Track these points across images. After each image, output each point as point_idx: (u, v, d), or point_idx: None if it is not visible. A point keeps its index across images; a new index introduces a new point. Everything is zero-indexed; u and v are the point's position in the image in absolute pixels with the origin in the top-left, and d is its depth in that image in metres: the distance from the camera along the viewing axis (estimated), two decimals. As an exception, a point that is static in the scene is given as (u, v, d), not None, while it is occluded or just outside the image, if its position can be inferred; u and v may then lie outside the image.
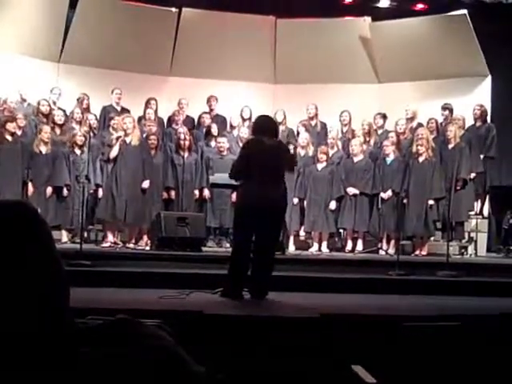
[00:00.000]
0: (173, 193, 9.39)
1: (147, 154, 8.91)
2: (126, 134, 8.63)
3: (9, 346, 1.03)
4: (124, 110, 9.96)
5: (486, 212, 9.94)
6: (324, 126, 10.49)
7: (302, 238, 9.77)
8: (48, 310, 1.07)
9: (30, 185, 8.71)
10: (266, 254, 5.89)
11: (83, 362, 1.05)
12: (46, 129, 8.90)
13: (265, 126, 6.13)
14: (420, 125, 9.86)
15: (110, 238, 8.59)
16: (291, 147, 9.19)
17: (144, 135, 9.37)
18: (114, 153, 8.57)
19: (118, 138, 8.59)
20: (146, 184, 8.69)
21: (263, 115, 6.59)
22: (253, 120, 10.50)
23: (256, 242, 5.89)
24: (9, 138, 8.69)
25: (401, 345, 4.24)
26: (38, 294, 1.07)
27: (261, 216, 5.71)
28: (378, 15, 11.43)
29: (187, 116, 10.48)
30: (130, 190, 8.56)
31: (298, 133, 10.22)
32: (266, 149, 5.88)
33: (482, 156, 9.69)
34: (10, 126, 8.67)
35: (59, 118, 9.39)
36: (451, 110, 10.20)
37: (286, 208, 6.18)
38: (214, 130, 9.87)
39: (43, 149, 8.84)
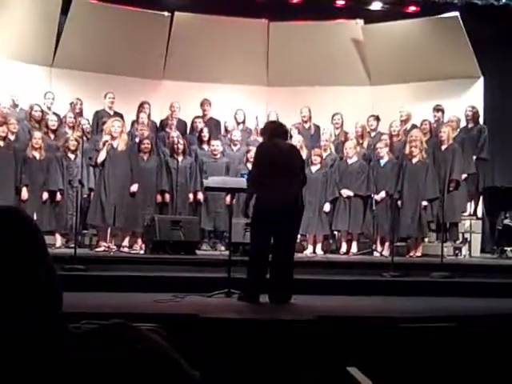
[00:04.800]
0: (167, 196, 9.37)
1: (136, 158, 8.87)
2: (113, 138, 8.58)
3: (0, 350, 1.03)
4: (117, 115, 9.95)
5: (479, 213, 9.97)
6: (317, 128, 10.51)
7: (296, 241, 9.76)
8: (40, 314, 1.07)
9: (24, 190, 8.69)
10: (284, 257, 5.91)
11: (77, 367, 1.04)
12: (37, 135, 8.86)
13: (277, 130, 6.28)
14: (414, 126, 9.89)
15: (104, 242, 8.57)
16: None
17: (137, 139, 9.36)
18: (101, 157, 8.54)
19: (104, 143, 8.55)
20: (134, 187, 8.66)
21: (273, 121, 6.77)
22: (247, 123, 10.61)
23: (274, 245, 5.92)
24: (0, 142, 8.66)
25: (396, 346, 4.25)
26: (29, 300, 1.06)
27: (278, 219, 5.76)
28: (371, 18, 11.45)
29: (179, 120, 10.48)
30: (118, 194, 8.52)
31: (291, 135, 10.22)
32: (280, 151, 5.98)
33: (474, 157, 9.73)
34: (0, 130, 8.64)
35: (53, 123, 9.37)
36: (443, 112, 10.25)
37: (303, 210, 6.19)
38: (205, 134, 9.86)
39: (36, 154, 8.81)
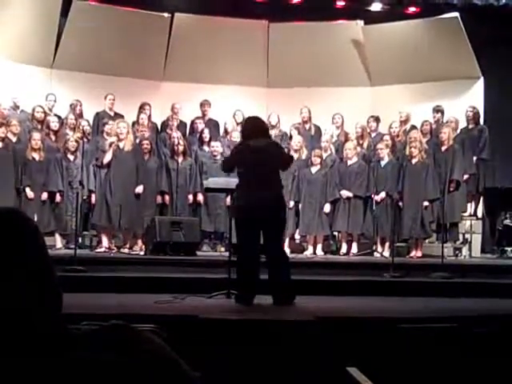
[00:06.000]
0: (167, 197, 9.38)
1: (141, 159, 8.89)
2: (120, 140, 8.60)
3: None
4: (117, 116, 9.96)
5: (480, 213, 9.97)
6: (318, 129, 10.51)
7: (296, 242, 9.77)
8: (40, 315, 1.07)
9: (28, 190, 8.68)
10: (274, 257, 5.88)
11: (77, 368, 1.05)
12: (36, 136, 8.85)
13: (252, 129, 6.12)
14: (413, 127, 9.89)
15: (105, 243, 8.58)
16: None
17: (137, 140, 9.37)
18: (107, 158, 8.56)
19: (111, 144, 8.57)
20: (139, 189, 8.67)
21: (251, 117, 6.56)
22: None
23: (263, 246, 5.92)
24: (-1, 143, 8.68)
25: (396, 346, 4.25)
26: (29, 301, 1.07)
27: (258, 218, 5.73)
28: (371, 18, 11.45)
29: (180, 121, 10.49)
30: (123, 195, 8.54)
31: (291, 136, 10.24)
32: (255, 151, 5.88)
33: (474, 158, 9.73)
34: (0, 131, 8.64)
35: (54, 124, 9.38)
36: (443, 112, 10.26)
37: (285, 207, 6.15)
38: (206, 135, 9.87)
39: (36, 156, 8.81)
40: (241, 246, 5.94)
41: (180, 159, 9.38)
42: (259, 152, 5.88)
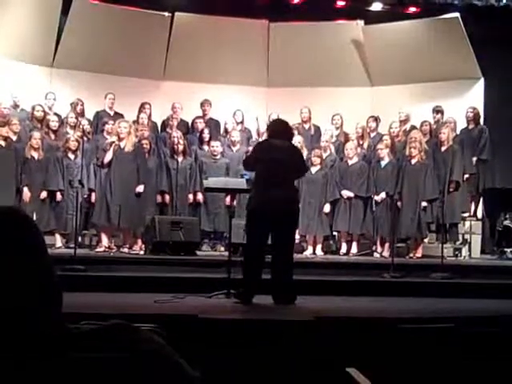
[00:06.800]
0: (167, 197, 9.38)
1: (142, 159, 8.88)
2: (120, 139, 8.59)
3: None
4: (117, 115, 9.95)
5: (479, 214, 9.97)
6: (318, 129, 10.51)
7: (296, 241, 9.75)
8: (40, 315, 1.07)
9: (26, 189, 8.68)
10: (282, 258, 5.90)
11: (77, 367, 1.04)
12: (36, 135, 8.86)
13: (277, 129, 6.28)
14: (413, 127, 9.89)
15: (105, 242, 8.57)
16: None
17: (137, 139, 9.37)
18: (107, 158, 8.56)
19: (111, 143, 8.56)
20: (140, 188, 8.66)
21: (278, 119, 6.80)
22: (246, 124, 10.64)
23: (272, 245, 5.94)
24: (1, 142, 8.67)
25: (396, 347, 4.25)
26: (29, 300, 1.06)
27: (271, 219, 5.76)
28: (371, 18, 11.45)
29: (181, 120, 10.49)
30: (124, 194, 8.53)
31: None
32: (277, 150, 5.96)
33: (474, 158, 9.73)
34: (2, 131, 8.64)
35: (54, 123, 9.37)
36: (442, 113, 10.26)
37: (298, 209, 6.20)
38: (206, 134, 9.88)
39: (35, 154, 8.81)
40: (250, 244, 5.96)
41: (180, 158, 9.38)
42: (279, 150, 5.95)
